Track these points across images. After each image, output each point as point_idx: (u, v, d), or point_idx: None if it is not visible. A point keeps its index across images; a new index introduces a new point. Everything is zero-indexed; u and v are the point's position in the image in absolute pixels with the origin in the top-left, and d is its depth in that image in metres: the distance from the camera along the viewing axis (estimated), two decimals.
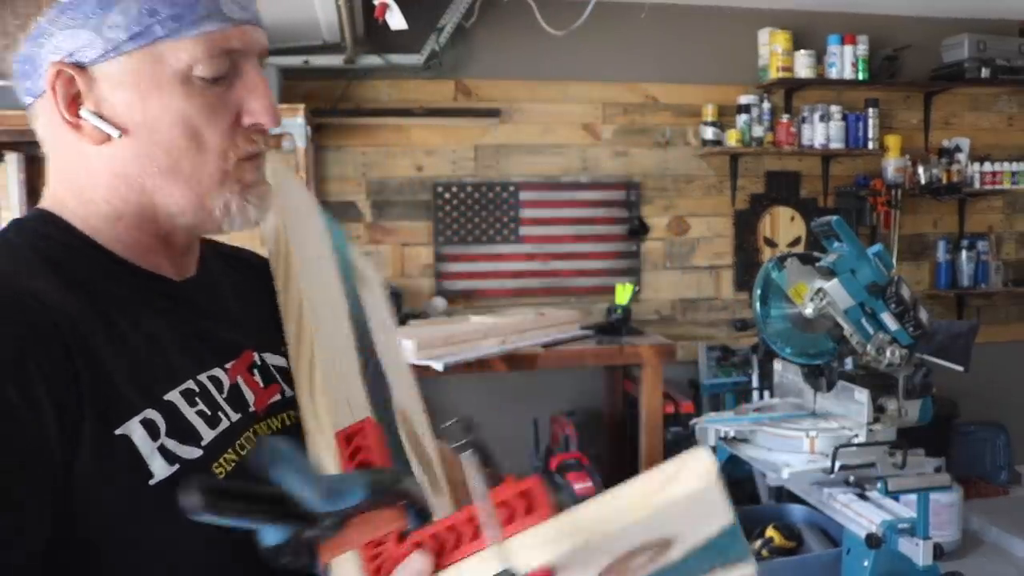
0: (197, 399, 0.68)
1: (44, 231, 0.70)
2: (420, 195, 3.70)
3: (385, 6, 2.77)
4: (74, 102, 0.67)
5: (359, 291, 0.87)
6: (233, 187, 0.70)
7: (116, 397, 0.63)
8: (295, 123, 2.99)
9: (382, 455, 0.67)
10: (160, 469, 0.63)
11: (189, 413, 0.67)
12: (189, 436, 0.66)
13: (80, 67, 0.66)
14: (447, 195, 3.72)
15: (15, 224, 0.72)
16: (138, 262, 0.72)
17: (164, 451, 0.64)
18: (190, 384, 0.69)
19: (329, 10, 2.90)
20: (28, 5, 0.66)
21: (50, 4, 0.65)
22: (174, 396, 0.67)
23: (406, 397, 0.83)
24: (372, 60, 3.51)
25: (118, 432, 0.62)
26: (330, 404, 0.70)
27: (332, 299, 0.82)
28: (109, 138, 0.67)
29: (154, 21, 0.64)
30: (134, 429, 0.63)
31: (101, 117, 0.66)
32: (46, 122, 0.70)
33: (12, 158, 3.26)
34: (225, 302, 0.80)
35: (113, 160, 0.68)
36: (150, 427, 0.64)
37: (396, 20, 2.82)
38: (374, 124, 3.64)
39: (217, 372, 0.72)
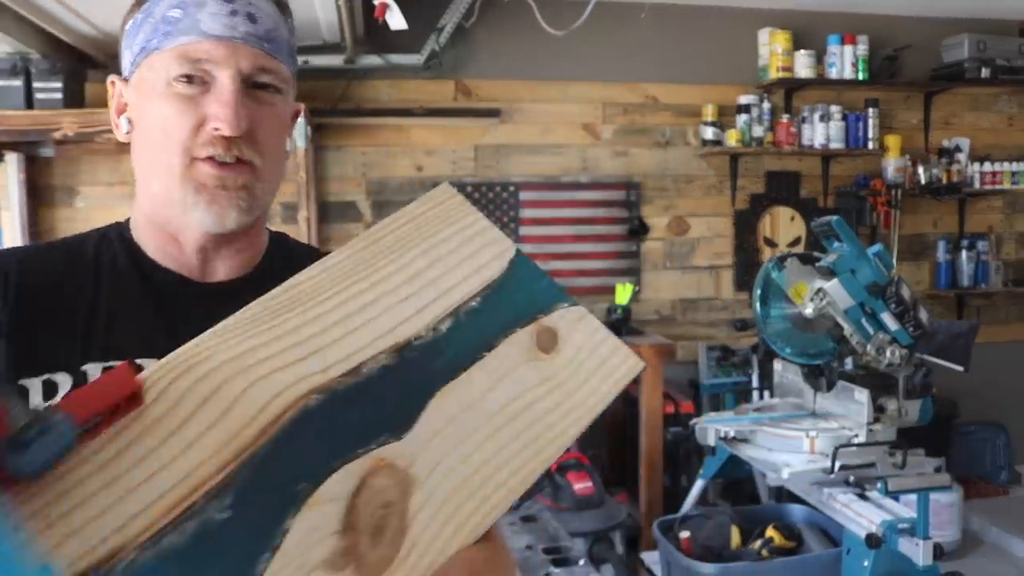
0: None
1: (105, 229, 0.85)
2: (420, 195, 3.68)
3: (385, 6, 2.77)
4: (120, 109, 0.82)
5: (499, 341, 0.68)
6: (187, 184, 0.77)
7: (31, 350, 0.73)
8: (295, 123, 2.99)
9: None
10: None
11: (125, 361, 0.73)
12: None
13: (124, 80, 0.82)
14: None
15: (104, 227, 0.86)
16: (162, 261, 0.82)
17: None
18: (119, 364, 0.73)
19: (329, 10, 2.90)
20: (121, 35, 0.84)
21: (124, 31, 0.82)
22: (93, 367, 0.75)
23: (437, 454, 0.61)
24: (372, 60, 3.51)
25: (20, 382, 0.72)
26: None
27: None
28: (130, 134, 0.81)
29: (155, 36, 0.77)
30: (34, 385, 0.72)
31: (130, 121, 0.81)
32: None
33: (12, 158, 3.26)
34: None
35: (135, 155, 0.82)
36: (49, 387, 0.72)
37: (396, 20, 2.82)
38: (374, 124, 3.64)
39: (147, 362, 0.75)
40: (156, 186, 0.79)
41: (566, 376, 0.69)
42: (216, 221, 0.78)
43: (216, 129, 0.76)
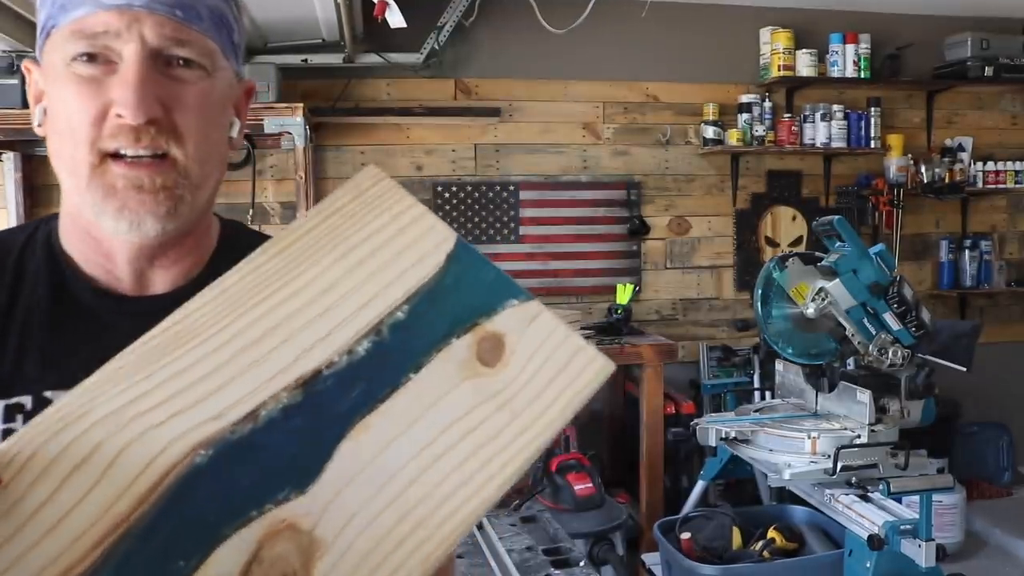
0: (19, 416, 0.66)
1: (36, 233, 0.74)
2: (420, 195, 3.69)
3: (384, 4, 2.76)
4: (38, 99, 0.70)
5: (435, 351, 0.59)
6: (96, 187, 0.66)
7: None
8: (294, 122, 2.98)
9: None
10: None
11: None
12: None
13: (36, 63, 0.70)
14: (447, 195, 3.71)
15: (36, 220, 0.77)
16: (91, 271, 0.71)
17: None
18: (24, 399, 0.67)
19: (328, 8, 2.89)
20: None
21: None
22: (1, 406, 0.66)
23: (349, 506, 0.52)
24: (371, 59, 3.49)
25: None
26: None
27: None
28: (42, 126, 0.70)
29: (54, 10, 0.66)
30: None
31: (44, 112, 0.69)
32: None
33: (9, 157, 3.25)
34: None
35: (48, 149, 0.70)
36: None
37: (395, 18, 2.81)
38: (373, 123, 3.63)
39: None
40: (68, 184, 0.68)
41: (514, 392, 0.56)
42: (132, 230, 0.66)
43: (119, 116, 0.64)
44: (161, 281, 0.73)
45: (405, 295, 0.57)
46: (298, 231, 0.58)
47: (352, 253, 0.57)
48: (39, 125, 0.70)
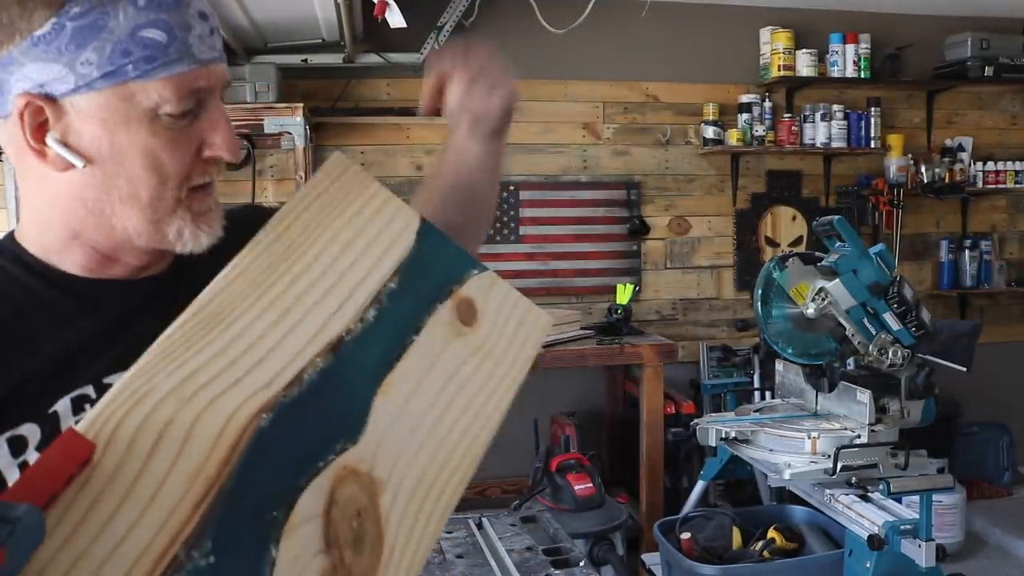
0: (87, 405, 0.70)
1: None
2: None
3: (384, 4, 2.76)
4: (40, 129, 0.68)
5: (424, 319, 0.69)
6: (185, 215, 0.73)
7: None
8: (294, 122, 2.98)
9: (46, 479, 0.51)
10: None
11: (70, 422, 0.69)
12: None
13: (50, 98, 0.67)
14: None
15: None
16: (93, 275, 0.75)
17: (25, 467, 0.66)
18: (85, 390, 0.70)
19: (328, 8, 2.89)
20: (0, 32, 0.67)
21: (24, 35, 0.66)
22: (61, 405, 0.69)
23: (394, 449, 0.62)
24: (371, 59, 3.49)
25: None
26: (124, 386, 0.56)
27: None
28: (72, 166, 0.69)
29: (127, 61, 0.66)
30: None
31: (67, 146, 0.68)
32: (9, 142, 0.71)
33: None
34: (191, 291, 0.80)
35: (74, 186, 0.71)
36: (16, 443, 0.66)
37: (395, 18, 2.81)
38: (373, 123, 3.62)
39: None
40: (124, 220, 0.71)
41: (492, 345, 0.70)
42: (210, 240, 0.74)
43: (217, 156, 0.73)
44: (155, 269, 0.80)
45: (393, 268, 0.67)
46: (291, 214, 0.66)
47: (341, 234, 0.67)
48: (83, 166, 0.69)
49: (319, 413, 0.59)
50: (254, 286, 0.62)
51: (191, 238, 0.73)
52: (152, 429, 0.53)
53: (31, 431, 0.67)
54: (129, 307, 0.76)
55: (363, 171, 0.72)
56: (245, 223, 0.87)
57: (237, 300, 0.61)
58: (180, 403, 0.55)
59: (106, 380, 0.72)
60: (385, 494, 0.60)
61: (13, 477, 0.65)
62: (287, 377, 0.59)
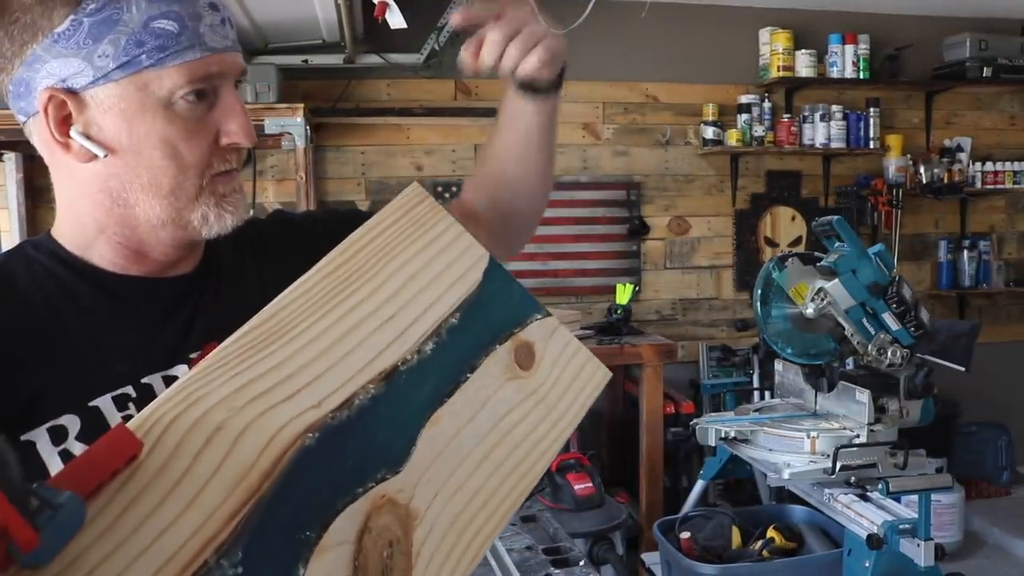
0: (131, 404, 0.71)
1: (30, 253, 0.77)
2: None
3: (385, 5, 2.76)
4: (64, 123, 0.72)
5: (483, 357, 0.69)
6: (209, 200, 0.75)
7: (32, 404, 0.68)
8: (294, 122, 2.98)
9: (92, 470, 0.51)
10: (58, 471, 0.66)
11: (114, 418, 0.70)
12: None
13: (71, 92, 0.70)
14: (447, 195, 3.71)
15: (18, 245, 0.80)
16: (123, 271, 0.77)
17: (66, 455, 0.67)
18: (126, 389, 0.72)
19: (328, 9, 2.89)
20: (24, 32, 0.70)
21: (46, 33, 0.69)
22: (103, 401, 0.71)
23: (435, 484, 0.62)
24: (372, 59, 3.50)
25: (23, 438, 0.67)
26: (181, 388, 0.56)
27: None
28: (95, 157, 0.72)
29: (141, 52, 0.69)
30: (40, 435, 0.67)
31: (89, 138, 0.71)
32: (39, 140, 0.74)
33: (11, 157, 3.26)
34: (218, 291, 0.83)
35: (98, 176, 0.73)
36: (57, 432, 0.68)
37: (396, 19, 2.80)
38: (374, 123, 3.63)
39: (177, 370, 0.75)
40: (148, 209, 0.74)
41: (545, 391, 0.69)
42: (236, 222, 0.77)
43: (234, 143, 0.75)
44: (184, 267, 0.81)
45: (456, 304, 0.67)
46: (360, 242, 0.67)
47: (408, 265, 0.67)
48: (104, 156, 0.72)
49: (365, 439, 0.59)
50: (317, 306, 0.62)
51: (216, 221, 0.75)
52: (200, 433, 0.54)
53: (71, 421, 0.69)
54: (160, 306, 0.78)
55: (437, 204, 0.72)
56: (270, 229, 0.90)
57: (299, 318, 0.61)
58: (231, 412, 0.55)
59: (144, 380, 0.73)
60: (420, 528, 0.60)
61: (54, 464, 0.67)
62: (338, 400, 0.59)
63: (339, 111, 3.55)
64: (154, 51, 0.69)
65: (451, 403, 0.63)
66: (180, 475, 0.52)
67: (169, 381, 0.74)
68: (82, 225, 0.76)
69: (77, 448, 0.67)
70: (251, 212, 0.81)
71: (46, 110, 0.71)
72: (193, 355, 0.76)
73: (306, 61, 3.39)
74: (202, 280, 0.82)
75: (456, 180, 3.72)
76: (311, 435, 0.57)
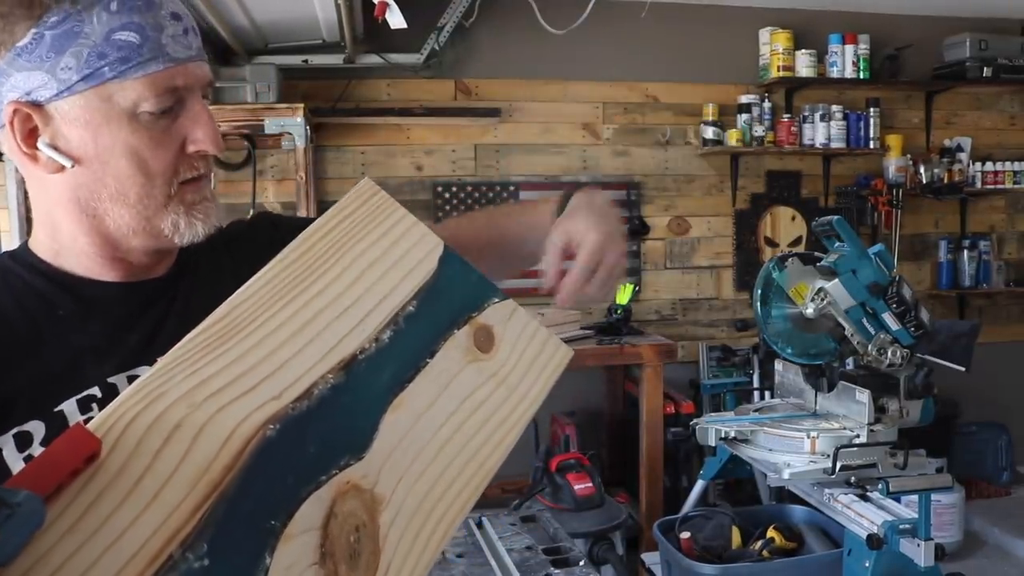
0: (94, 405, 0.72)
1: (7, 264, 0.78)
2: (420, 195, 3.70)
3: (385, 5, 2.76)
4: (31, 136, 0.72)
5: (439, 343, 0.69)
6: (178, 208, 0.75)
7: (2, 411, 0.69)
8: (294, 122, 2.98)
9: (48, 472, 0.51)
10: None
11: (78, 421, 0.71)
12: None
13: (36, 105, 0.71)
14: (447, 195, 3.71)
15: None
16: (97, 276, 0.78)
17: (31, 460, 0.67)
18: (92, 390, 0.73)
19: (328, 9, 2.89)
20: None
21: (8, 47, 0.69)
22: (68, 405, 0.71)
23: (399, 468, 0.62)
24: (372, 59, 3.50)
25: None
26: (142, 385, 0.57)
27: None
28: (63, 168, 0.73)
29: (103, 64, 0.69)
30: (6, 442, 0.69)
31: (56, 149, 0.72)
32: (8, 152, 0.75)
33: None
34: (191, 293, 0.83)
35: (68, 187, 0.74)
36: (22, 439, 0.69)
37: (396, 19, 2.81)
38: (374, 124, 3.63)
39: (142, 370, 0.76)
40: (117, 218, 0.74)
41: (507, 372, 0.70)
42: (206, 230, 0.77)
43: (200, 151, 0.75)
44: (160, 270, 0.82)
45: (413, 291, 0.67)
46: (319, 232, 0.67)
47: (364, 255, 0.67)
48: (71, 166, 0.72)
49: (326, 427, 0.60)
50: (275, 299, 0.63)
51: (187, 228, 0.76)
52: (161, 430, 0.54)
53: (36, 427, 0.70)
54: (131, 309, 0.79)
55: (390, 197, 0.73)
56: (249, 232, 0.90)
57: (258, 311, 0.62)
58: (191, 408, 0.56)
59: (110, 380, 0.74)
60: (386, 512, 0.60)
61: (18, 469, 0.66)
62: (297, 391, 0.60)
63: (339, 111, 3.55)
64: (116, 63, 0.69)
65: (411, 388, 0.64)
66: (141, 473, 0.52)
67: (133, 380, 0.74)
68: (57, 234, 0.77)
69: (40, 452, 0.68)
70: (222, 220, 0.81)
71: (12, 124, 0.71)
72: (160, 357, 0.76)
73: (306, 61, 3.39)
74: (175, 282, 0.83)
75: (456, 180, 3.72)
76: (272, 426, 0.57)
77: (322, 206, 3.59)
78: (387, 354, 0.64)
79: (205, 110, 0.75)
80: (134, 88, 0.70)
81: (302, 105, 3.01)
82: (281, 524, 0.55)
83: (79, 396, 0.72)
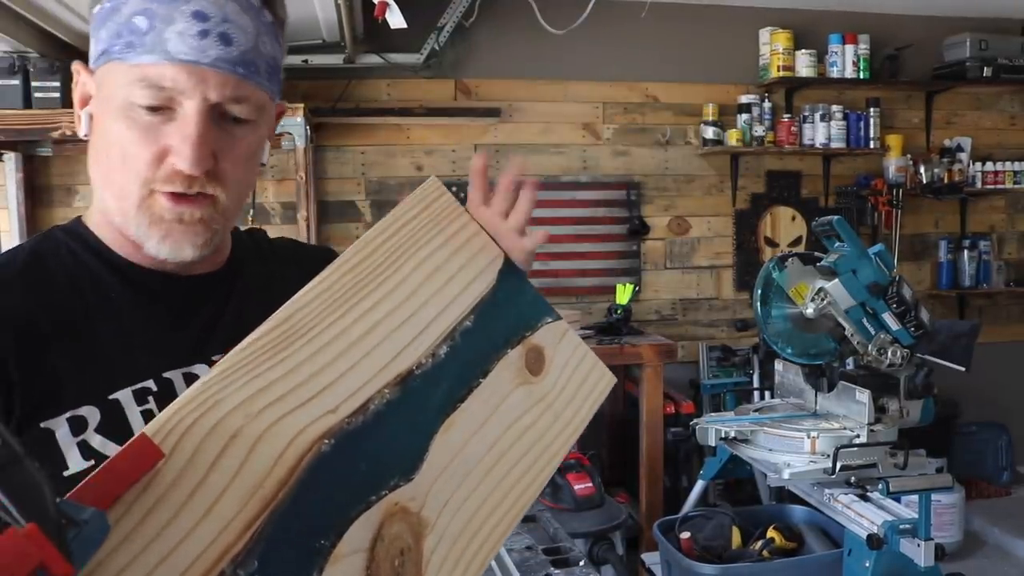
0: (150, 398, 0.71)
1: (60, 237, 0.77)
2: None
3: (385, 5, 2.76)
4: (84, 102, 0.74)
5: (493, 362, 0.68)
6: (143, 215, 0.71)
7: (52, 393, 0.67)
8: (294, 122, 2.98)
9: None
10: (76, 463, 0.66)
11: (133, 412, 0.70)
12: (124, 434, 0.67)
13: (89, 70, 0.73)
14: None
15: (49, 229, 0.79)
16: (144, 263, 0.76)
17: (84, 446, 0.67)
18: (147, 383, 0.72)
19: (329, 9, 2.89)
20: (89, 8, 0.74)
21: (94, 8, 0.72)
22: (124, 395, 0.70)
23: (445, 492, 0.62)
24: (372, 59, 3.50)
25: (43, 425, 0.66)
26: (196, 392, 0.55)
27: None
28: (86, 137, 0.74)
29: (116, 43, 0.69)
30: (60, 425, 0.66)
31: (91, 118, 0.74)
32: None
33: (10, 157, 3.25)
34: (245, 295, 0.82)
35: (90, 158, 0.75)
36: (77, 423, 0.67)
37: (396, 19, 2.81)
38: (374, 123, 3.63)
39: (198, 368, 0.75)
40: (110, 201, 0.73)
41: (554, 397, 0.69)
42: (172, 255, 0.72)
43: (174, 168, 0.69)
44: (198, 270, 0.79)
45: (472, 305, 0.66)
46: (378, 239, 0.65)
47: (426, 263, 0.66)
48: (85, 133, 0.74)
49: (379, 445, 0.59)
50: (335, 305, 0.61)
51: (146, 239, 0.72)
52: (217, 440, 0.53)
53: (91, 413, 0.68)
54: (183, 303, 0.77)
55: (455, 200, 0.70)
56: (287, 247, 0.91)
57: (316, 319, 0.60)
58: (247, 418, 0.55)
59: (166, 375, 0.73)
60: (430, 537, 0.59)
61: (72, 456, 0.66)
62: (353, 405, 0.59)
63: (339, 111, 3.55)
64: (124, 45, 0.68)
65: (463, 409, 0.63)
66: (196, 485, 0.51)
67: (189, 378, 0.73)
68: (100, 213, 0.77)
69: (96, 440, 0.67)
70: (199, 249, 0.73)
71: (75, 82, 0.74)
72: (215, 356, 0.75)
73: (306, 61, 3.39)
74: (228, 281, 0.81)
75: (456, 180, 3.72)
76: (327, 441, 0.56)
77: (322, 206, 3.59)
78: (442, 370, 0.63)
79: (196, 125, 0.68)
80: (126, 74, 0.68)
81: (302, 105, 3.01)
82: (330, 544, 0.54)
83: (134, 387, 0.70)
